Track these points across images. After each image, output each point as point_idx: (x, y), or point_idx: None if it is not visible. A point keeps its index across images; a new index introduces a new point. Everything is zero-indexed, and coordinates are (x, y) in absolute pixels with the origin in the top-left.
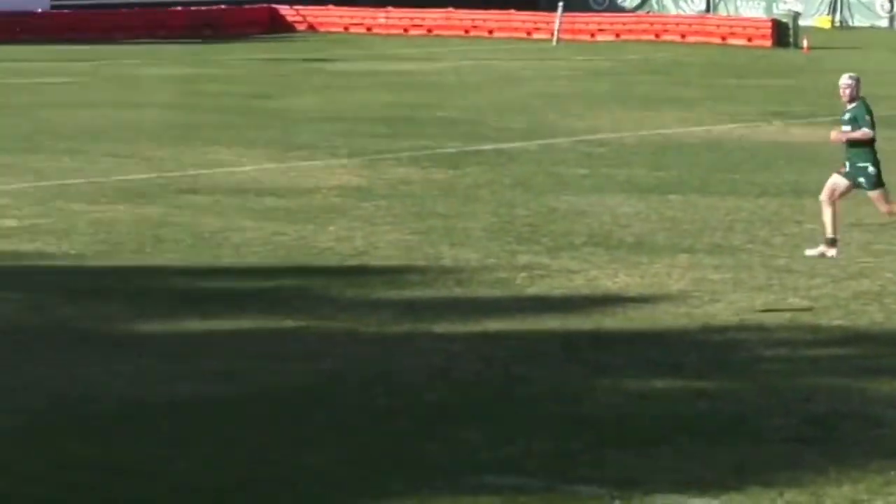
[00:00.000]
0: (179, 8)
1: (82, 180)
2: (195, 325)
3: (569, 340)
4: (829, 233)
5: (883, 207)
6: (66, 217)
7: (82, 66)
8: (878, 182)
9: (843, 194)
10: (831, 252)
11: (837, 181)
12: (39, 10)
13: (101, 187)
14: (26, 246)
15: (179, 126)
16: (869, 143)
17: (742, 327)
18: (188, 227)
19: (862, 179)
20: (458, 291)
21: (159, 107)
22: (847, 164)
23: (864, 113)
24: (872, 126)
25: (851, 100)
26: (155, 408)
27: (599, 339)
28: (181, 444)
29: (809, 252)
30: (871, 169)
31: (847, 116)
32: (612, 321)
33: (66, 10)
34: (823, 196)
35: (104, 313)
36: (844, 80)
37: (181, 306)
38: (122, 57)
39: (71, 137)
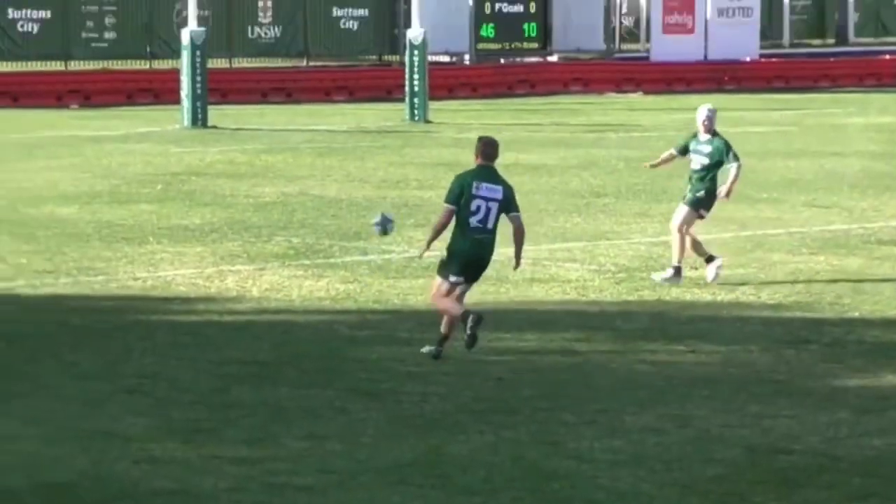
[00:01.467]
0: (887, 56)
1: (782, 230)
2: (891, 378)
3: None
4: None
5: (677, 221)
6: (765, 267)
7: (786, 115)
8: (699, 204)
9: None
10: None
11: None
12: (748, 59)
13: (800, 237)
14: (725, 296)
15: (882, 175)
16: (713, 172)
17: None
18: (888, 279)
19: (689, 195)
20: None
21: (863, 156)
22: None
23: (728, 147)
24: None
25: (709, 132)
26: (847, 462)
27: None
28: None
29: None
30: (701, 193)
31: (707, 150)
32: None
33: (773, 60)
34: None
35: (799, 364)
36: (705, 111)
37: (878, 358)
38: (827, 105)
39: (772, 187)
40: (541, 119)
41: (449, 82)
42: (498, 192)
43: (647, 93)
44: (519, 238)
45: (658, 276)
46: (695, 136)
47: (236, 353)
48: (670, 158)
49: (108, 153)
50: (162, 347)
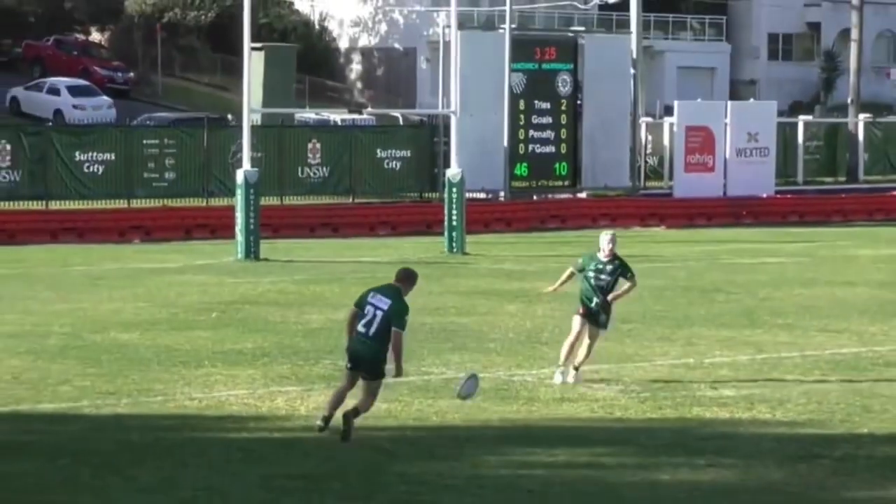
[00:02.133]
0: (895, 193)
1: (797, 353)
2: None
3: None
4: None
5: (589, 344)
6: (780, 387)
7: (800, 247)
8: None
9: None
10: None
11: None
12: (765, 195)
13: (814, 360)
14: (743, 414)
15: (890, 303)
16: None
17: None
18: (895, 399)
19: (604, 318)
20: None
21: (872, 285)
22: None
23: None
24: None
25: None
26: None
27: None
28: None
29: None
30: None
31: (610, 268)
32: None
33: (788, 196)
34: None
35: (812, 477)
36: (608, 237)
37: (886, 472)
38: (839, 238)
39: (787, 313)
40: (571, 251)
41: (485, 217)
42: (386, 304)
43: (669, 227)
44: (396, 350)
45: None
46: (592, 257)
47: (285, 467)
48: (569, 277)
49: (168, 284)
50: (216, 463)
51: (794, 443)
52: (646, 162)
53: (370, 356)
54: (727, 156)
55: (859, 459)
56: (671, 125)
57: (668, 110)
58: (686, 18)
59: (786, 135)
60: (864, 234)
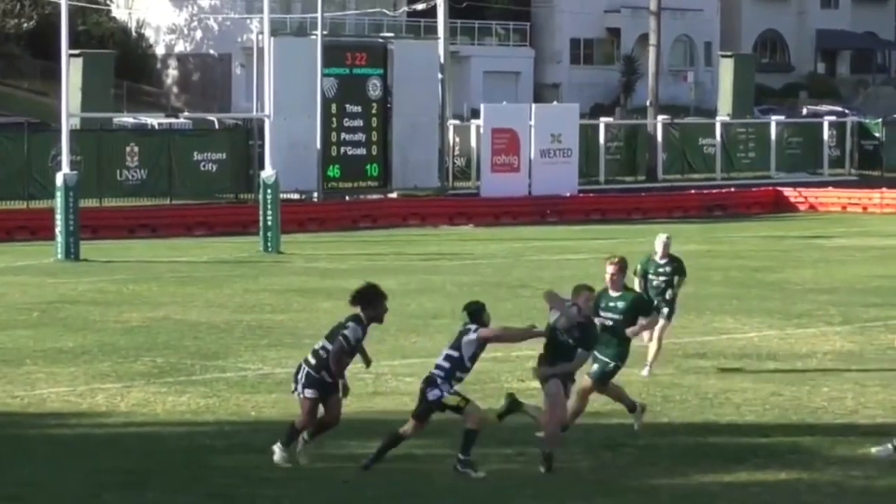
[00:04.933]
0: (693, 191)
1: None
2: (698, 477)
3: None
4: None
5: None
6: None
7: (603, 244)
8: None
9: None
10: None
11: None
12: (568, 194)
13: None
14: None
15: (689, 296)
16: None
17: None
18: (694, 389)
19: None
20: None
21: None
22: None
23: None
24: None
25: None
26: None
27: None
28: None
29: None
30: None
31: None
32: None
33: (591, 195)
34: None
35: (617, 465)
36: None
37: (686, 460)
38: (639, 235)
39: None
40: (382, 249)
41: (298, 217)
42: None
43: (477, 225)
44: None
45: None
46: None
47: (107, 462)
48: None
49: None
50: (40, 458)
51: (599, 432)
52: (454, 163)
53: None
54: (532, 156)
55: (661, 448)
56: (478, 127)
57: (475, 113)
58: (491, 25)
59: (588, 136)
60: (664, 231)
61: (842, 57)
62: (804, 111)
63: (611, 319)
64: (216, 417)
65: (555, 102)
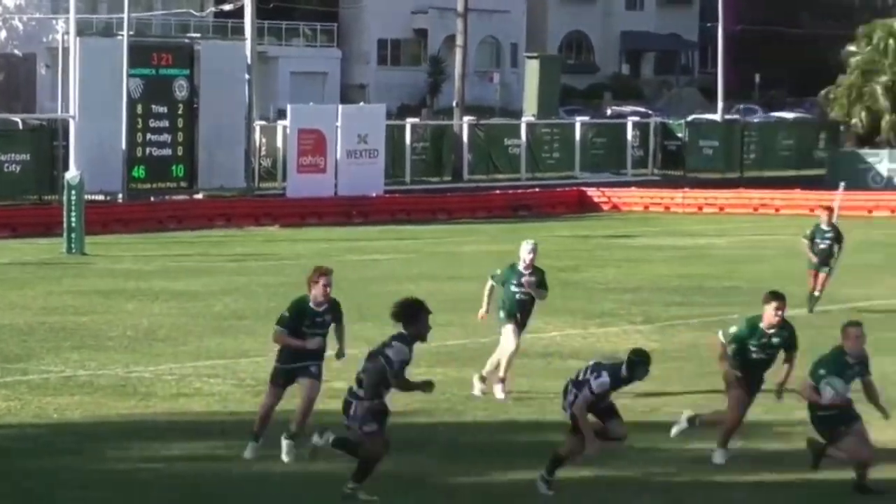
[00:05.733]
0: (498, 191)
1: None
2: (499, 475)
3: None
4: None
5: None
6: None
7: (408, 244)
8: None
9: None
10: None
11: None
12: (374, 195)
13: (420, 352)
14: None
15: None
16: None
17: None
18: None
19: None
20: (740, 444)
21: (475, 279)
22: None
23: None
24: None
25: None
26: None
27: None
28: None
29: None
30: None
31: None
32: None
33: (397, 195)
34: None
35: (419, 464)
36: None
37: (487, 458)
38: (445, 235)
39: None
40: (187, 250)
41: (103, 218)
42: None
43: (283, 226)
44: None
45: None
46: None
47: None
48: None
49: None
50: None
51: (401, 431)
52: (260, 163)
53: None
54: (338, 157)
55: (463, 446)
56: (284, 128)
57: (282, 114)
58: (299, 25)
59: (394, 137)
60: (469, 231)
61: (646, 58)
62: (609, 112)
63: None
64: (18, 420)
65: (362, 103)
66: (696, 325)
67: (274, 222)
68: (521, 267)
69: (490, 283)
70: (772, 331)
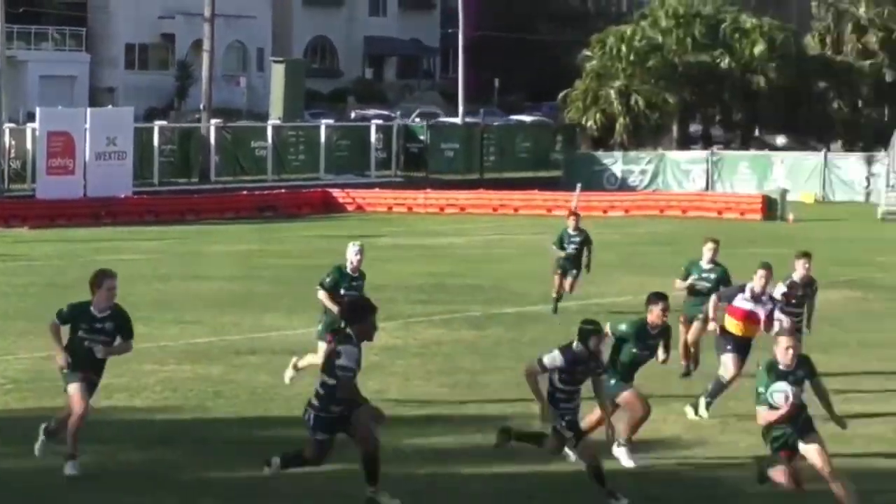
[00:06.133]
0: (245, 192)
1: (152, 344)
2: (245, 472)
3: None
4: None
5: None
6: (138, 376)
7: (155, 245)
8: None
9: None
10: None
11: None
12: (123, 196)
13: (169, 350)
14: (101, 402)
15: (240, 295)
16: None
17: None
18: (245, 384)
19: None
20: (478, 438)
21: (222, 279)
22: None
23: None
24: None
25: None
26: None
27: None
28: None
29: None
30: None
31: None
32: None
33: (145, 196)
34: None
35: (170, 459)
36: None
37: (238, 453)
38: (192, 236)
39: (143, 307)
40: None
41: None
42: None
43: (33, 227)
44: None
45: None
46: None
47: None
48: None
49: None
50: None
51: (152, 427)
52: (9, 165)
53: None
54: (87, 159)
55: (212, 441)
56: (34, 131)
57: (31, 116)
58: (48, 30)
59: (143, 139)
60: (216, 232)
61: (389, 63)
62: (353, 115)
63: None
64: None
65: (110, 106)
66: (438, 322)
67: (23, 224)
68: (348, 269)
69: (321, 291)
70: (655, 331)
